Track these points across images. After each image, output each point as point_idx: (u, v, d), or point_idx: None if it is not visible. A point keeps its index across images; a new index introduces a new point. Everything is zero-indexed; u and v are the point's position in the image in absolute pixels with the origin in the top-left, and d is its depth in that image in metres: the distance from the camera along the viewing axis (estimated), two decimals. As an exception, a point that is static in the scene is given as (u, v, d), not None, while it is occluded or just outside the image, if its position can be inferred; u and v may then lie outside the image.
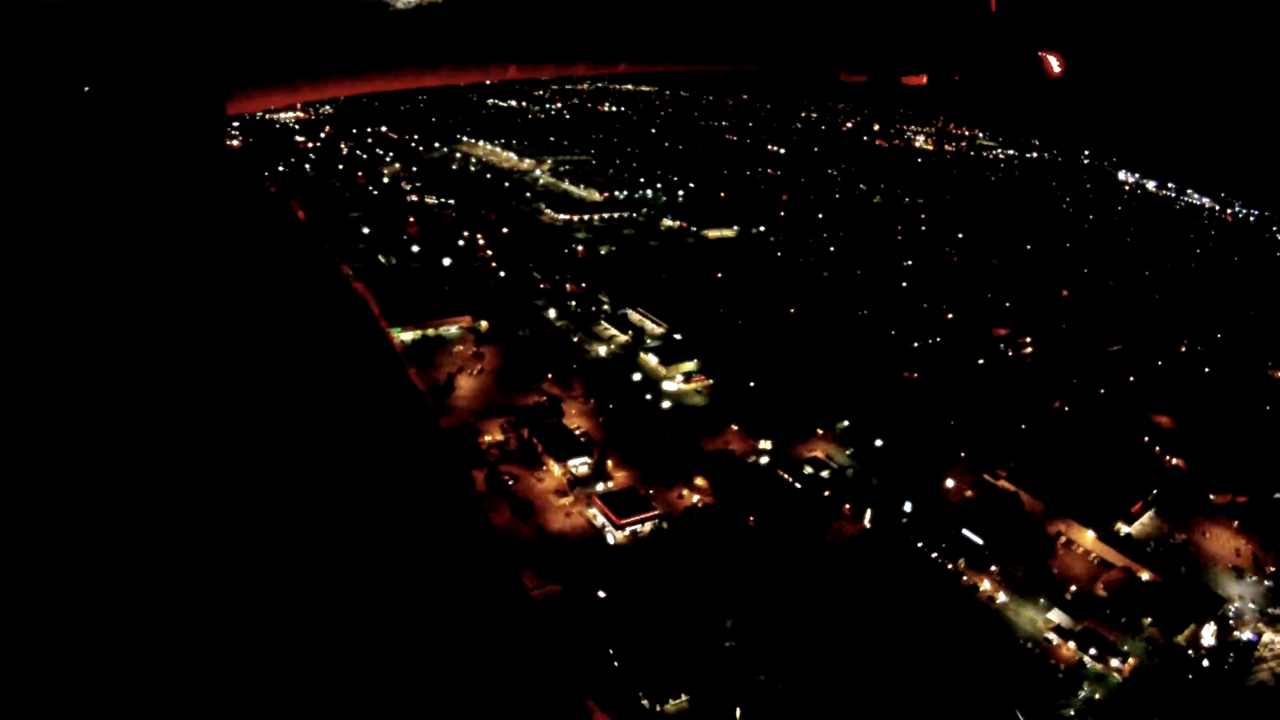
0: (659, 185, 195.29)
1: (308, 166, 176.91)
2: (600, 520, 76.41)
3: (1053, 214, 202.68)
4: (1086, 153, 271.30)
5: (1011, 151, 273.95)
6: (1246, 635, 69.29)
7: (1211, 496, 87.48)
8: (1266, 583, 76.49)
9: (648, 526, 75.55)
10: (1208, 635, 68.55)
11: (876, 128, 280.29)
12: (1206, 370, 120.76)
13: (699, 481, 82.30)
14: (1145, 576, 74.72)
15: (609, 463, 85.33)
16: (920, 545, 75.57)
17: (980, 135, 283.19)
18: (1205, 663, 66.34)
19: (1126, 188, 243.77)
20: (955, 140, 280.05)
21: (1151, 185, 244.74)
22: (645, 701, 58.23)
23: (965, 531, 76.09)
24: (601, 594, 66.78)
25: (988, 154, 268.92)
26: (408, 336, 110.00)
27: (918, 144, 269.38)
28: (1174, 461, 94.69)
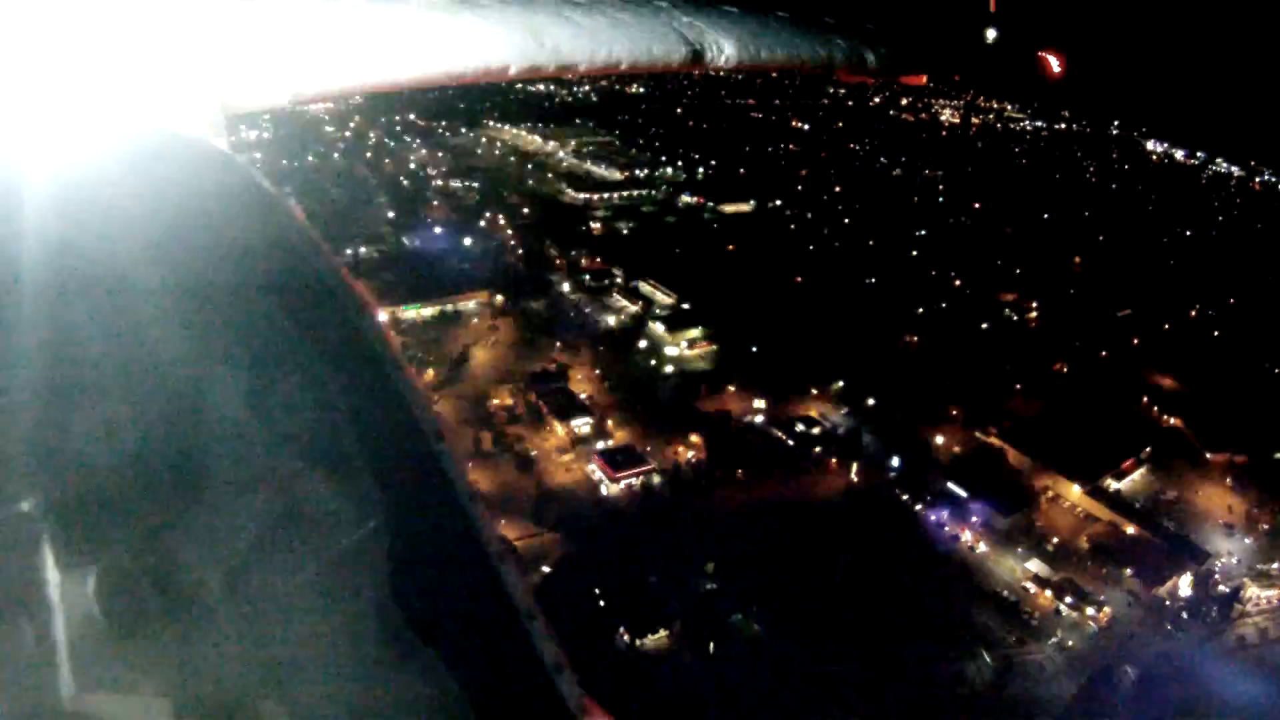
0: (680, 163, 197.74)
1: (336, 156, 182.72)
2: (597, 474, 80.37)
3: (1073, 184, 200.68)
4: (1116, 123, 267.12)
5: (1040, 123, 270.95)
6: (1227, 589, 70.31)
7: (1208, 455, 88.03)
8: (1255, 540, 77.02)
9: (641, 480, 79.32)
10: (1184, 585, 69.86)
11: (904, 102, 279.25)
12: (1216, 334, 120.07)
13: (694, 438, 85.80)
14: (1131, 530, 76.11)
15: (609, 422, 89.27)
16: (905, 497, 78.19)
17: (1009, 108, 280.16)
18: (1184, 614, 67.61)
19: (1154, 157, 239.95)
20: (983, 113, 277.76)
21: (1180, 154, 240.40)
22: (626, 636, 62.07)
23: (950, 484, 78.49)
24: (591, 541, 70.85)
25: (1015, 126, 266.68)
26: (427, 312, 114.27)
27: (944, 117, 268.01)
28: (1172, 421, 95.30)
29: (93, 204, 2.14)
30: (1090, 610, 66.67)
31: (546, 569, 67.26)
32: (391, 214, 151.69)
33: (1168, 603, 68.86)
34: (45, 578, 1.89)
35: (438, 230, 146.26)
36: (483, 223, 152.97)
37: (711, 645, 61.42)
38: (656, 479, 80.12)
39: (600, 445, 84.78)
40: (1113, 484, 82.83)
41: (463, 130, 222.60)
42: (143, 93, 2.66)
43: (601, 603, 64.21)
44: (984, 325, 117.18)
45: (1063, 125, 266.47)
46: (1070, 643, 64.67)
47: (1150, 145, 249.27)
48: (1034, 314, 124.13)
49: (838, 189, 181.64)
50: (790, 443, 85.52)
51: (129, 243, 2.12)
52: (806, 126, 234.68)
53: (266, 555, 1.98)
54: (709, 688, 57.72)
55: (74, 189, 2.14)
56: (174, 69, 2.78)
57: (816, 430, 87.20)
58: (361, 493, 2.14)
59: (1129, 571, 70.60)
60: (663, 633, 62.57)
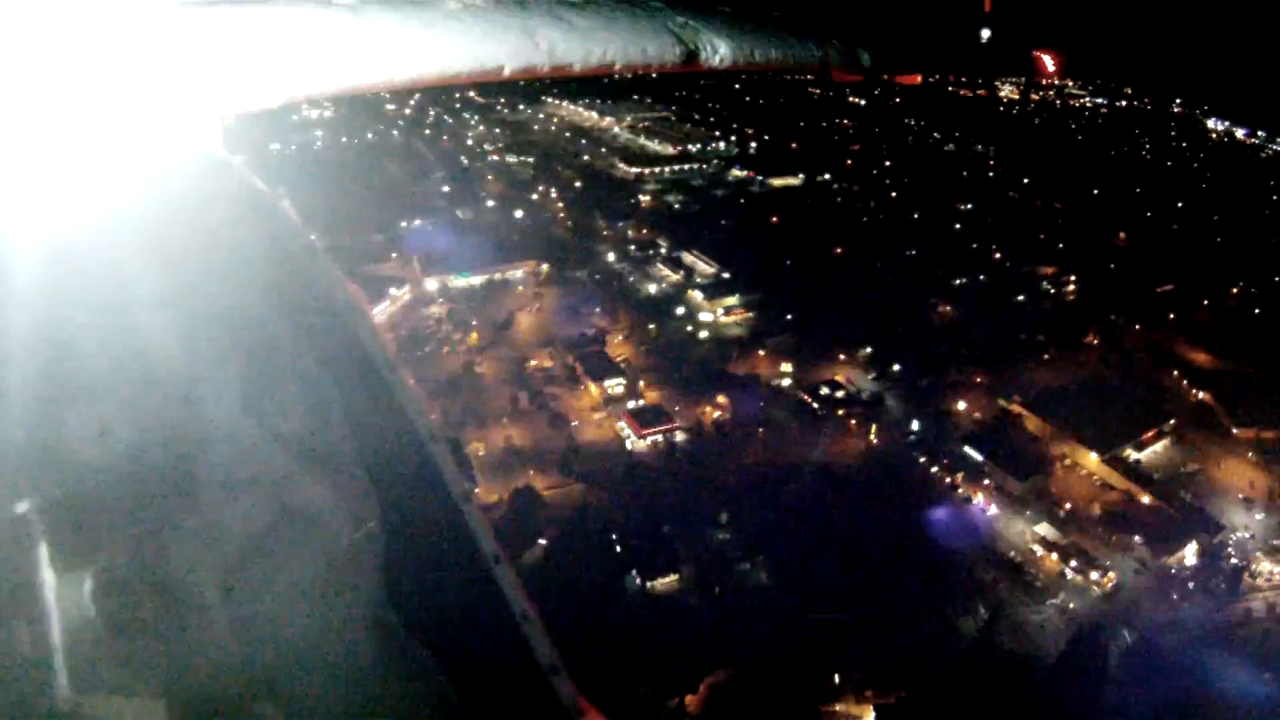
0: (733, 138, 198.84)
1: (395, 133, 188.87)
2: (625, 431, 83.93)
3: (1128, 161, 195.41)
4: (1178, 101, 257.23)
5: (1100, 100, 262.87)
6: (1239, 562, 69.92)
7: (1235, 430, 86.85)
8: (1274, 516, 75.60)
9: (665, 437, 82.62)
10: (1190, 554, 69.73)
11: (964, 79, 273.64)
12: (1257, 312, 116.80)
13: (720, 399, 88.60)
14: (1145, 500, 75.91)
15: (641, 384, 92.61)
16: (921, 460, 79.81)
17: (1070, 84, 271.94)
18: (1191, 584, 67.45)
19: (1214, 135, 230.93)
20: (1043, 90, 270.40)
21: (1241, 133, 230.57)
22: (638, 579, 65.59)
23: (967, 448, 79.79)
24: (614, 492, 74.49)
25: (1075, 102, 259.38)
26: (476, 280, 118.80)
27: (1003, 93, 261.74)
28: (1200, 395, 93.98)
29: (89, 207, 2.13)
30: (1095, 575, 66.97)
31: (569, 516, 71.14)
32: (446, 188, 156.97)
33: (1174, 572, 68.71)
34: (42, 579, 1.86)
35: (490, 203, 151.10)
36: (535, 196, 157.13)
37: (717, 590, 64.51)
38: (681, 436, 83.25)
39: (631, 405, 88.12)
40: (1132, 454, 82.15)
41: (521, 106, 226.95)
42: (138, 97, 2.66)
43: (618, 548, 67.76)
44: (1020, 297, 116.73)
45: (1123, 102, 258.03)
46: (1072, 605, 65.21)
47: (1211, 124, 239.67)
48: (1072, 287, 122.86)
49: (888, 164, 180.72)
50: (814, 405, 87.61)
51: (125, 247, 2.13)
52: (863, 102, 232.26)
53: (261, 556, 1.99)
54: (710, 628, 60.84)
55: (70, 193, 2.14)
56: (169, 72, 2.79)
57: (840, 394, 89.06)
58: (356, 494, 2.16)
59: (1139, 540, 70.47)
60: (673, 577, 65.87)
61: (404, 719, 2.10)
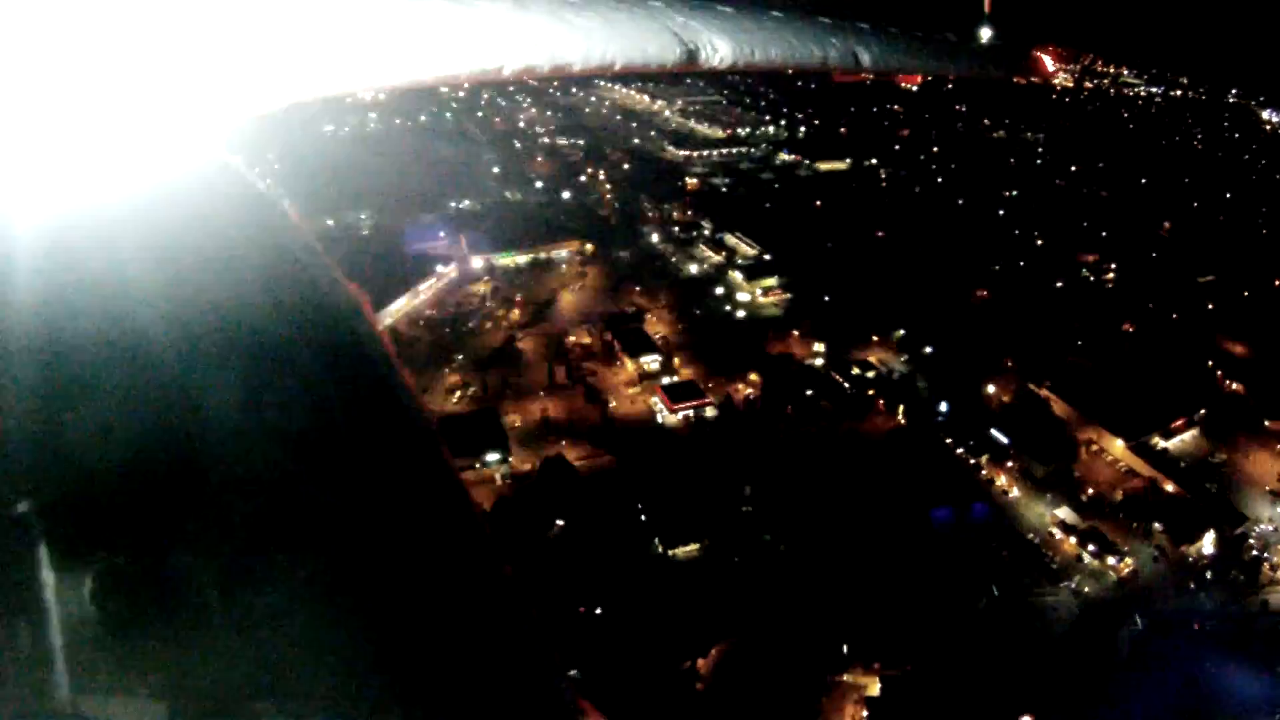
0: (782, 122, 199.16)
1: (449, 115, 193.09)
2: (658, 406, 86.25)
3: (1178, 150, 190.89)
4: (1235, 91, 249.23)
5: (1155, 89, 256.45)
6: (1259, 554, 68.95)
7: (1267, 423, 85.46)
8: None
9: (696, 412, 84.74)
10: (1208, 543, 69.20)
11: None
12: None
13: (753, 377, 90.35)
14: (1169, 488, 75.27)
15: (676, 361, 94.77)
16: (948, 441, 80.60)
17: (1125, 73, 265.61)
18: (1208, 574, 66.93)
19: (1268, 126, 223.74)
20: (1099, 78, 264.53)
21: None
22: (660, 547, 67.90)
23: (993, 431, 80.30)
24: (643, 464, 76.85)
25: (1129, 91, 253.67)
26: (521, 259, 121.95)
27: (1056, 81, 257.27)
28: (1234, 386, 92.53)
29: (89, 207, 2.15)
30: (1112, 560, 66.84)
31: (596, 485, 73.73)
32: (496, 169, 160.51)
33: (1193, 561, 68.21)
34: (42, 579, 1.85)
35: (539, 184, 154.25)
36: (583, 178, 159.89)
37: (736, 559, 66.51)
38: (711, 412, 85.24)
39: (665, 380, 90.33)
40: (1160, 442, 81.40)
41: (574, 90, 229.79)
42: (141, 97, 2.64)
43: (643, 516, 70.13)
44: (1058, 284, 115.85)
45: (1178, 92, 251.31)
46: (1086, 589, 65.33)
47: (1266, 115, 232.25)
48: (1112, 275, 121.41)
49: (935, 149, 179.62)
50: (845, 385, 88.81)
51: (126, 246, 2.15)
52: (914, 87, 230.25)
53: (261, 557, 2.03)
54: (726, 596, 62.84)
55: (72, 193, 2.16)
56: (172, 73, 2.78)
57: (871, 374, 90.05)
58: (356, 495, 2.20)
59: (1159, 527, 70.13)
60: (694, 546, 67.88)
61: (404, 719, 2.12)
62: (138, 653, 1.82)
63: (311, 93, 3.34)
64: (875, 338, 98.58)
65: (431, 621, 2.22)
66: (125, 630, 1.78)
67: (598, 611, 59.94)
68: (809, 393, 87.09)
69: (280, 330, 2.27)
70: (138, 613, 1.79)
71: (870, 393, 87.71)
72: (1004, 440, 78.83)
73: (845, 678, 58.09)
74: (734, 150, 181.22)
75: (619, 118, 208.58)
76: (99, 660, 1.78)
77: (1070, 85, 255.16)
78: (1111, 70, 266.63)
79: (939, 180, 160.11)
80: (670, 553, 67.48)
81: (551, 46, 3.94)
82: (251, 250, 2.43)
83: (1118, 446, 79.79)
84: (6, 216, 1.99)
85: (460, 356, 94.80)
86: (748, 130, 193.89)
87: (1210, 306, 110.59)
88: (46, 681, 1.73)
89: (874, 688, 57.14)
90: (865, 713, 55.56)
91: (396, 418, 2.42)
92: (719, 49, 4.59)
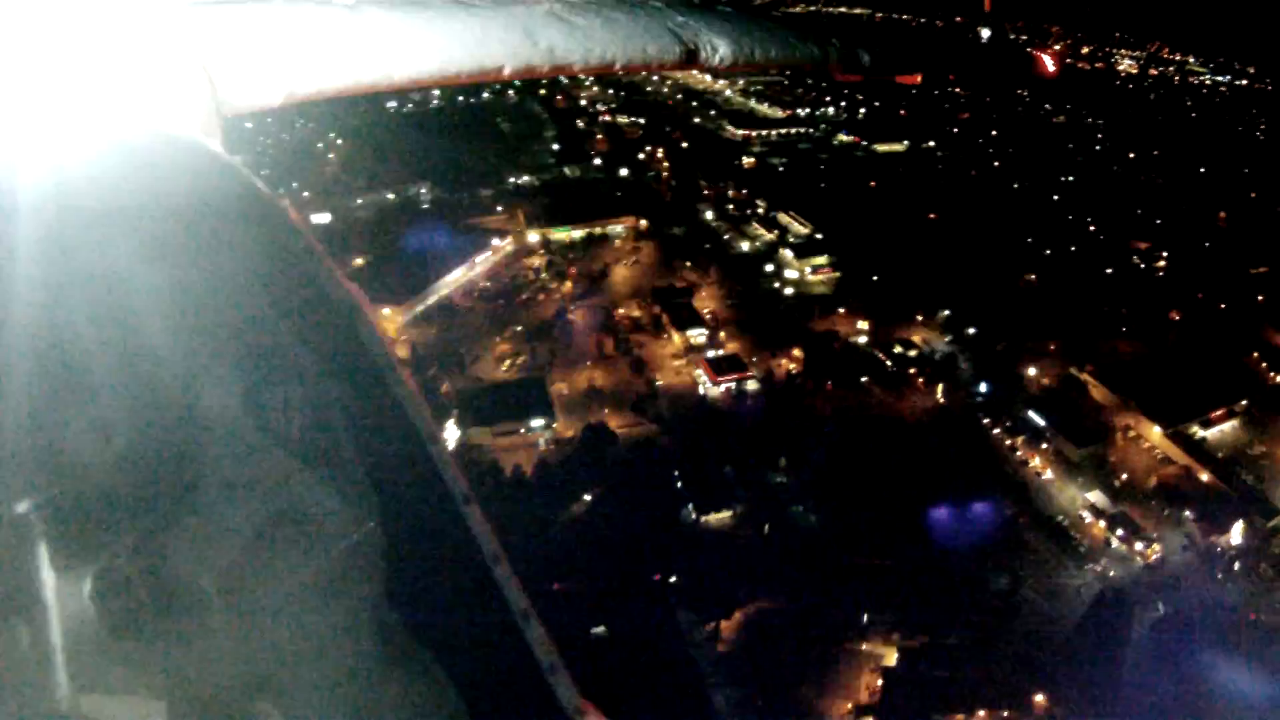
0: (843, 103, 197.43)
1: (511, 92, 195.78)
2: (701, 377, 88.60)
3: (1240, 140, 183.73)
4: None
5: (1221, 78, 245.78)
6: None
7: None
8: None
9: (738, 384, 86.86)
10: (1236, 534, 68.53)
11: (1085, 51, 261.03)
12: None
13: (796, 352, 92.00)
14: (1204, 478, 74.69)
15: (722, 335, 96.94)
16: (985, 421, 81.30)
17: (1191, 60, 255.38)
18: (1235, 566, 66.47)
19: None
20: (1164, 65, 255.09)
21: None
22: (694, 513, 70.31)
23: (1030, 412, 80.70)
24: (683, 433, 79.37)
25: (1194, 79, 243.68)
26: (576, 234, 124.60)
27: (1121, 67, 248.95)
28: (1278, 378, 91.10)
29: (87, 207, 2.16)
30: (1140, 546, 67.06)
31: (636, 452, 76.46)
32: (556, 146, 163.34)
33: (1220, 551, 67.75)
34: (41, 579, 1.86)
35: (597, 161, 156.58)
36: (641, 155, 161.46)
37: (767, 528, 68.63)
38: (753, 385, 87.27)
39: (710, 354, 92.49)
40: (1199, 431, 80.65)
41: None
42: (137, 94, 2.65)
43: (679, 484, 72.62)
44: (1108, 270, 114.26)
45: (1244, 81, 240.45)
46: (1112, 573, 65.67)
47: None
48: (1163, 263, 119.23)
49: (994, 133, 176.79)
50: (887, 363, 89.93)
51: (124, 245, 2.15)
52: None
53: (261, 557, 2.02)
54: (754, 561, 65.00)
55: (69, 192, 2.16)
56: (168, 70, 2.79)
57: (913, 353, 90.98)
58: (356, 495, 2.20)
59: (1190, 516, 69.82)
60: (726, 513, 70.23)
61: (404, 719, 2.16)
62: (138, 653, 1.93)
63: (309, 92, 3.40)
64: (920, 317, 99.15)
65: (432, 620, 2.32)
66: (125, 630, 1.90)
67: (624, 574, 62.48)
68: (850, 369, 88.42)
69: (280, 331, 2.36)
70: (137, 614, 1.91)
71: (911, 371, 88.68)
72: (1041, 422, 79.20)
73: (864, 646, 59.98)
74: (793, 130, 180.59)
75: (680, 96, 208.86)
76: (99, 660, 1.89)
77: (1134, 72, 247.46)
78: (1178, 58, 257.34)
79: (996, 164, 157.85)
80: (703, 519, 69.83)
81: (552, 46, 4.00)
82: (251, 249, 2.51)
83: (1155, 433, 79.40)
84: (5, 217, 2.10)
85: (513, 327, 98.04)
86: (807, 111, 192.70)
87: (1260, 299, 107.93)
88: (46, 681, 1.83)
89: (891, 657, 58.92)
90: (880, 681, 57.35)
91: (396, 418, 2.47)
92: (719, 49, 4.60)
